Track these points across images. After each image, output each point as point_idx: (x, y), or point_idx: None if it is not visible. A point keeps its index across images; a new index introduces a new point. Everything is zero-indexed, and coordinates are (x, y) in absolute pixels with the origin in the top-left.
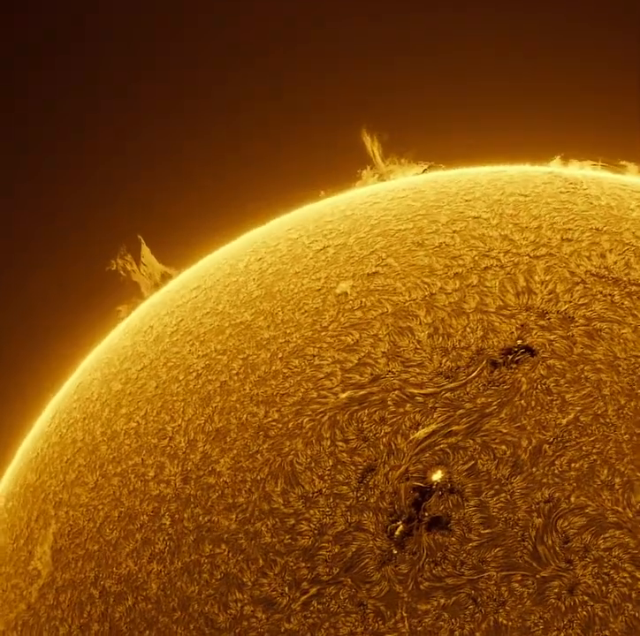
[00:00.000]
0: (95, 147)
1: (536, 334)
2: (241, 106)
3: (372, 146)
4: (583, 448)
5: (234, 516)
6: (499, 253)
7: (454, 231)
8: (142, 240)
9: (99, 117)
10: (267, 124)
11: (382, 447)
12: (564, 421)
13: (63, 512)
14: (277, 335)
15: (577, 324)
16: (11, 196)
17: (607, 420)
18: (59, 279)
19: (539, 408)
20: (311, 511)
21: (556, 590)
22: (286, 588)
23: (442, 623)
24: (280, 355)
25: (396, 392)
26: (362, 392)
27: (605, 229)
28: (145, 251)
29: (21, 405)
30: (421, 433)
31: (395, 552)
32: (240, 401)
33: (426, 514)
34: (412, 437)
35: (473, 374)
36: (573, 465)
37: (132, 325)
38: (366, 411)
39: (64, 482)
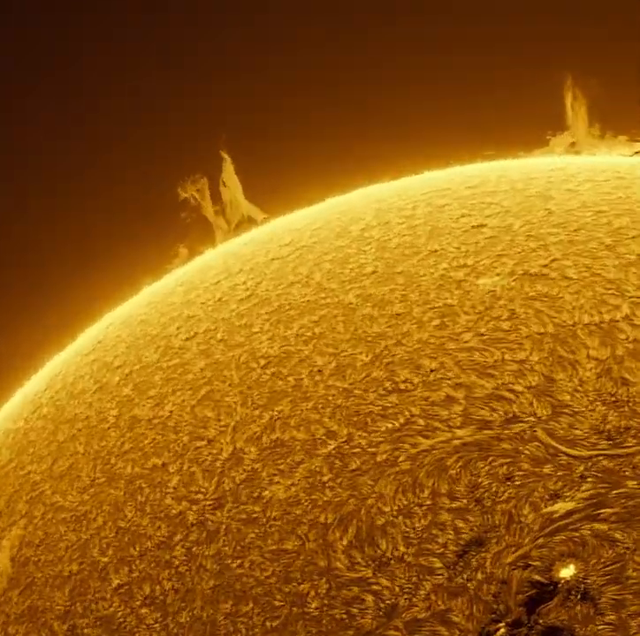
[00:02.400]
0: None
1: None
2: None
3: (575, 107)
4: None
5: (276, 566)
6: None
7: None
8: (228, 160)
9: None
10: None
11: (500, 515)
12: None
13: (39, 512)
14: (387, 332)
15: None
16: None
17: None
18: (113, 195)
19: None
20: (383, 582)
21: None
22: None
23: None
24: (386, 360)
25: (535, 445)
26: (490, 434)
27: None
28: (229, 180)
29: (21, 353)
30: (558, 507)
31: None
32: (317, 411)
33: (541, 621)
34: (545, 511)
35: None
36: None
37: (190, 276)
38: (489, 461)
39: (50, 472)
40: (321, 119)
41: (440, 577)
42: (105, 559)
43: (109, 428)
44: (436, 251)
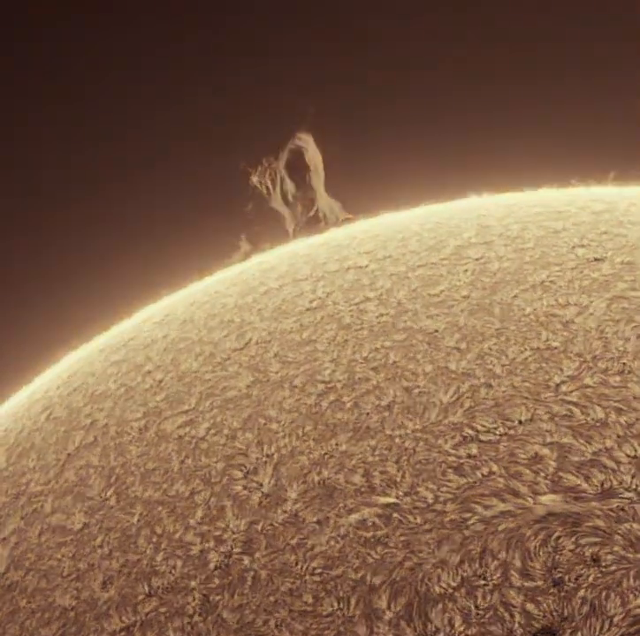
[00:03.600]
0: None
1: None
2: None
3: None
4: None
5: (307, 629)
6: None
7: None
8: (311, 145)
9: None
10: None
11: (580, 603)
12: None
13: (34, 530)
14: (474, 370)
15: None
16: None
17: None
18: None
19: None
20: None
21: None
22: None
23: None
24: (469, 403)
25: (634, 525)
26: (580, 507)
27: None
28: (311, 169)
29: (38, 343)
30: None
31: None
32: (379, 453)
33: None
34: (634, 604)
35: None
36: None
37: (249, 275)
38: (575, 538)
39: (54, 484)
40: (428, 116)
41: None
42: (106, 595)
43: (130, 442)
44: (543, 282)
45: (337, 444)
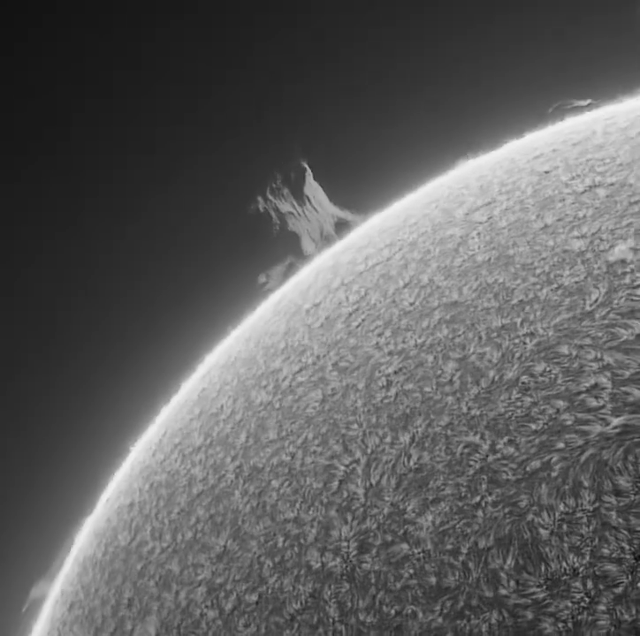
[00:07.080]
0: None
1: None
2: None
3: None
4: None
5: (440, 607)
6: None
7: None
8: (307, 168)
9: None
10: None
11: None
12: None
13: (170, 595)
14: (514, 323)
15: None
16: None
17: None
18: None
19: None
20: (559, 602)
21: None
22: None
23: None
24: (517, 354)
25: None
26: None
27: None
28: (311, 186)
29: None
30: None
31: None
32: (453, 426)
33: None
34: None
35: None
36: None
37: (288, 299)
38: None
39: (175, 546)
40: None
41: (622, 585)
42: (249, 633)
43: (230, 486)
44: (548, 226)
45: (412, 431)
